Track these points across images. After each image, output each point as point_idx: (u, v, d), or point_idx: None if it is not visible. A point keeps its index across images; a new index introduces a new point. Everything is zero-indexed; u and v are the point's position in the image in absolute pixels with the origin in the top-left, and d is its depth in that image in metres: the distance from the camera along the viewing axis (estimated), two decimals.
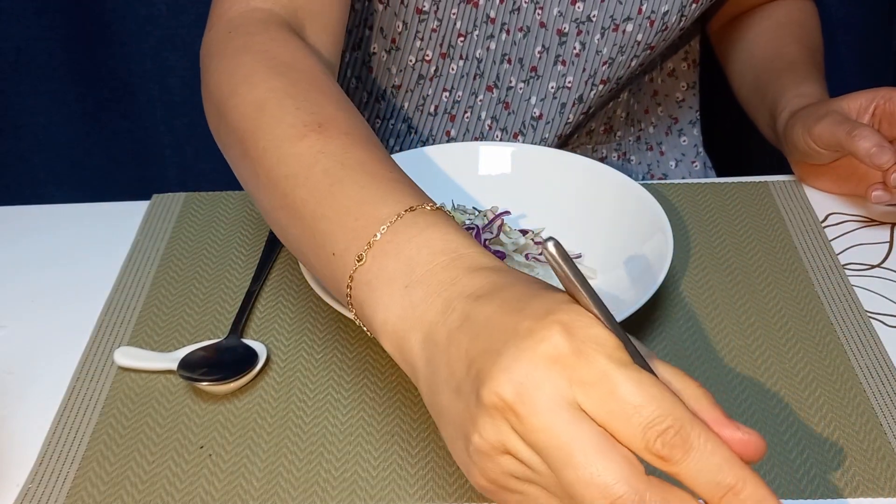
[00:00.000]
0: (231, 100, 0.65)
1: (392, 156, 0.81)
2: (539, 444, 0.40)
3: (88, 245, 0.81)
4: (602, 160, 0.98)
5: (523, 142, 0.91)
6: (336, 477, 0.61)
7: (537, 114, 0.90)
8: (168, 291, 0.76)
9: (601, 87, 0.89)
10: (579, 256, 0.76)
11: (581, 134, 0.98)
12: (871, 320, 0.72)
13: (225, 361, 0.67)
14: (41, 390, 0.68)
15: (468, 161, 0.81)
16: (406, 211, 0.53)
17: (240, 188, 0.93)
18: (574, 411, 0.40)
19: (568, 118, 0.91)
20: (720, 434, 0.41)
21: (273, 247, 0.79)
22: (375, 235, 0.52)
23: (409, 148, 0.92)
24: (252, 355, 0.68)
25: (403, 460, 0.62)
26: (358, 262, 0.53)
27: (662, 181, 0.88)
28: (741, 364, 0.68)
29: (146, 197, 0.86)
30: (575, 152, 0.82)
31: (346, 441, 0.63)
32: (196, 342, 0.70)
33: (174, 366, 0.67)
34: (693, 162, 1.03)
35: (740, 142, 1.20)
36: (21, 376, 0.69)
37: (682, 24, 0.87)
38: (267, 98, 0.63)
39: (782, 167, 0.90)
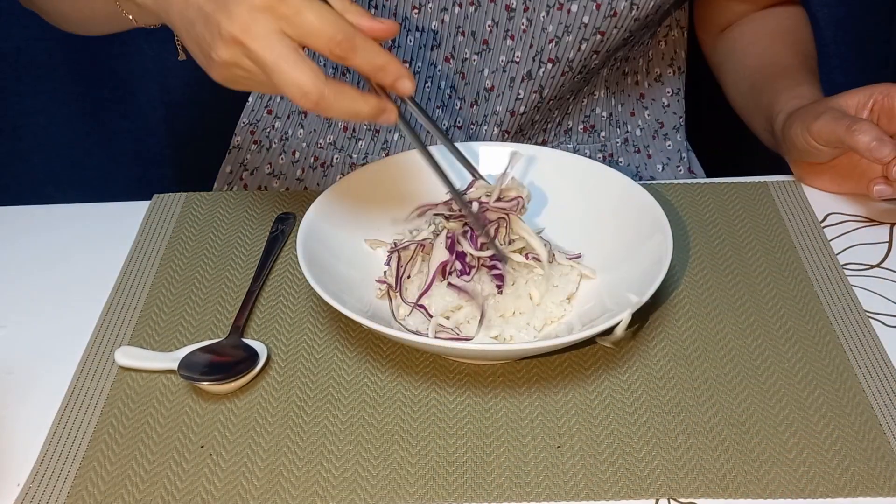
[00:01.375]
0: None
1: (391, 157, 0.82)
2: (258, 61, 0.59)
3: (88, 245, 0.82)
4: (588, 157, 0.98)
5: (477, 112, 0.92)
6: (336, 477, 0.61)
7: (489, 85, 0.92)
8: (168, 291, 0.76)
9: (550, 65, 0.90)
10: (579, 256, 0.76)
11: (559, 132, 0.98)
12: (871, 320, 0.72)
13: (225, 361, 0.68)
14: (41, 390, 0.68)
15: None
16: None
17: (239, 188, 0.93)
18: (280, 37, 0.58)
19: (518, 93, 0.92)
20: (366, 32, 0.61)
21: (273, 247, 0.79)
22: None
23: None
24: (252, 355, 0.68)
25: (403, 460, 0.62)
26: None
27: (662, 181, 0.88)
28: (741, 364, 0.68)
29: (146, 197, 0.86)
30: (575, 152, 0.82)
31: (346, 441, 0.63)
32: (196, 342, 0.70)
33: (174, 366, 0.67)
34: (678, 167, 1.04)
35: (737, 142, 1.20)
36: (21, 376, 0.69)
37: (634, 13, 0.87)
38: None
39: (781, 167, 0.90)
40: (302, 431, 0.64)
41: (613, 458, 0.61)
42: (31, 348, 0.72)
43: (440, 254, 0.70)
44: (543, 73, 0.90)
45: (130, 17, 0.73)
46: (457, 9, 0.89)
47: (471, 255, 0.70)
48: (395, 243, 0.74)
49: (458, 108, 0.94)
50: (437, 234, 0.72)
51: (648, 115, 1.02)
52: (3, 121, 1.27)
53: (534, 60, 0.90)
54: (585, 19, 0.87)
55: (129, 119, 1.27)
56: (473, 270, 0.70)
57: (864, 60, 1.23)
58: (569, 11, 0.87)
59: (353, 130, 0.96)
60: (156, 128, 1.28)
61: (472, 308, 0.69)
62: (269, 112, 1.00)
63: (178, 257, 0.79)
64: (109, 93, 1.25)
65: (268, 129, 1.01)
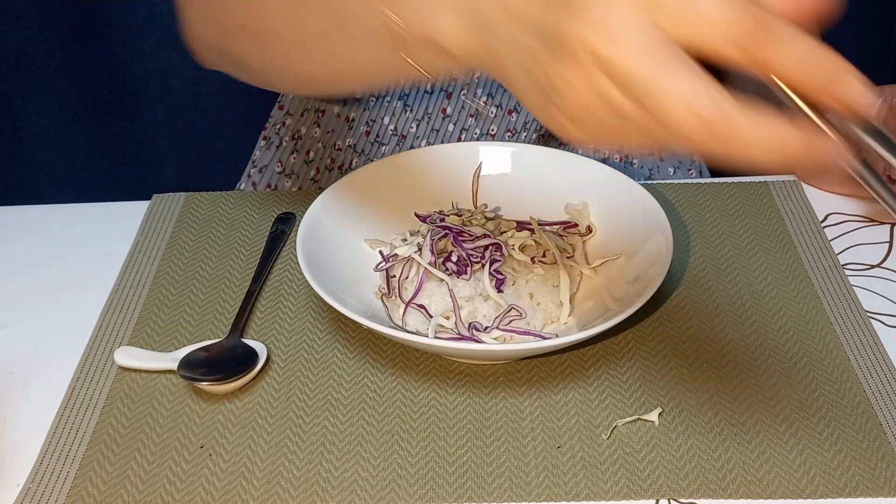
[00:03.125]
0: None
1: (392, 156, 0.82)
2: (625, 75, 0.41)
3: (88, 245, 0.82)
4: (604, 161, 0.98)
5: (517, 118, 0.92)
6: (336, 477, 0.61)
7: None
8: (168, 291, 0.76)
9: None
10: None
11: None
12: (871, 320, 0.72)
13: (225, 361, 0.68)
14: (41, 390, 0.68)
15: (468, 161, 0.81)
16: None
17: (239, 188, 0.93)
18: (654, 34, 0.41)
19: None
20: (789, 12, 0.41)
21: (273, 247, 0.79)
22: None
23: (405, 126, 0.93)
24: (252, 355, 0.68)
25: (403, 460, 0.62)
26: None
27: (662, 181, 0.88)
28: (741, 364, 0.68)
29: (146, 197, 0.86)
30: (576, 151, 0.82)
31: (346, 441, 0.63)
32: (196, 342, 0.70)
33: (174, 366, 0.67)
34: (689, 170, 1.04)
35: None
36: (21, 376, 0.69)
37: None
38: None
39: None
40: (302, 431, 0.64)
41: (613, 458, 0.61)
42: (31, 348, 0.72)
43: (427, 256, 0.71)
44: None
45: (419, 67, 0.54)
46: None
47: (459, 253, 0.70)
48: (383, 256, 0.74)
49: (493, 115, 0.93)
50: (425, 236, 0.72)
51: None
52: (4, 121, 1.27)
53: None
54: None
55: (130, 119, 1.27)
56: (470, 269, 0.70)
57: (864, 60, 1.23)
58: None
59: (377, 135, 0.94)
60: (156, 128, 1.28)
61: (472, 307, 0.69)
62: (281, 108, 0.99)
63: (178, 257, 0.79)
64: (110, 94, 1.26)
65: (278, 126, 1.00)
